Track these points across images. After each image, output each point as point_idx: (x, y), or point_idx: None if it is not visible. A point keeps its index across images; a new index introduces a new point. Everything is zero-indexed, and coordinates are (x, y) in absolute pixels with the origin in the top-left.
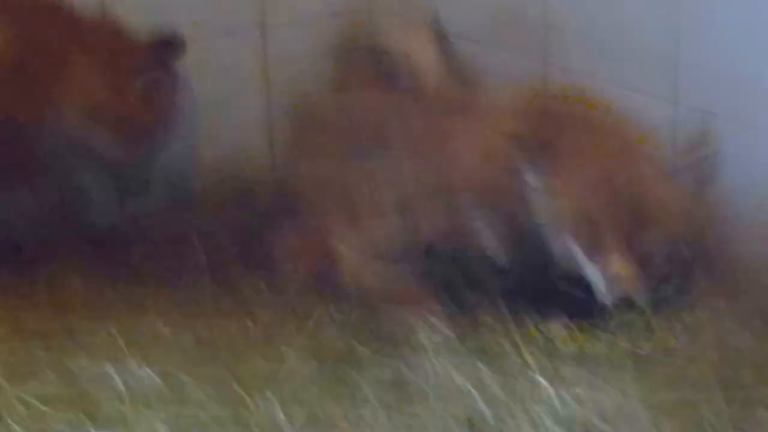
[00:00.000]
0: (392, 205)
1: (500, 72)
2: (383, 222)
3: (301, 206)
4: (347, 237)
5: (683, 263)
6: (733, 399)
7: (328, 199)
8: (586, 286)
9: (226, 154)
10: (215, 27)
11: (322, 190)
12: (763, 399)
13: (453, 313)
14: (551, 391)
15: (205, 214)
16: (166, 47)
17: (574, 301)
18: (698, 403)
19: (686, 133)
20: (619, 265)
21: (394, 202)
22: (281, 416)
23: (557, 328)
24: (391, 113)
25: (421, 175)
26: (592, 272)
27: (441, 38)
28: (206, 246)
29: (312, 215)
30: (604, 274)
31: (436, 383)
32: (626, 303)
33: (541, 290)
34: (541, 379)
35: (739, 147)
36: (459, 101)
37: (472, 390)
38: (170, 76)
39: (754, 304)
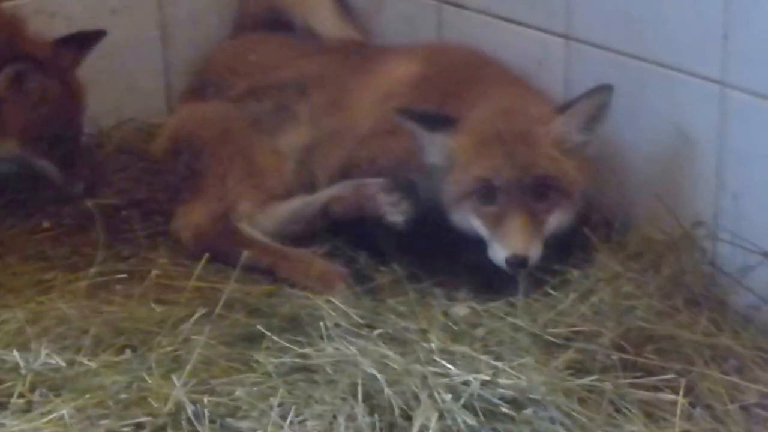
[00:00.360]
0: (290, 151)
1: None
2: (280, 170)
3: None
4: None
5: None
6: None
7: (226, 153)
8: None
9: (125, 98)
10: None
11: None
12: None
13: (360, 296)
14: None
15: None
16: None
17: (477, 272)
18: (602, 385)
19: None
20: (515, 228)
21: (291, 148)
22: (184, 398)
23: (463, 310)
24: (286, 58)
25: (319, 122)
26: (487, 234)
27: None
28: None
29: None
30: (501, 238)
31: (340, 368)
32: (520, 265)
33: (443, 260)
34: (446, 363)
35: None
36: (355, 48)
37: (376, 373)
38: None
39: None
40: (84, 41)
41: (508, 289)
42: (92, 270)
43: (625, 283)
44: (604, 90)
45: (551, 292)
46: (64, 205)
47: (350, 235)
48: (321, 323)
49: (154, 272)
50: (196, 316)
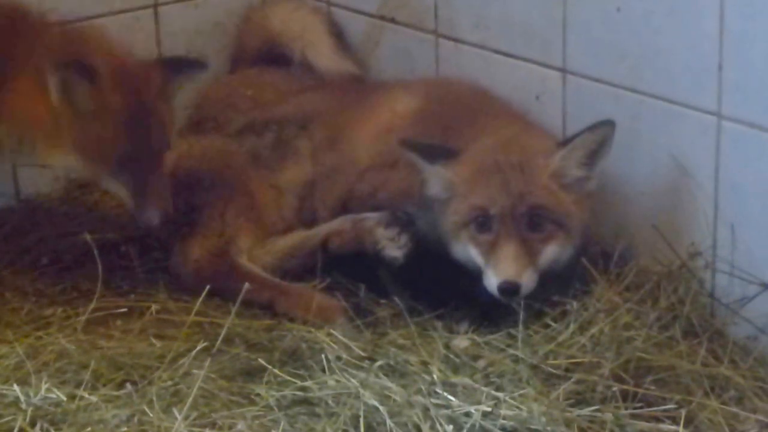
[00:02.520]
0: (290, 187)
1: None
2: (280, 205)
3: (199, 200)
4: (245, 234)
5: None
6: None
7: (225, 188)
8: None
9: None
10: (109, 6)
11: (217, 176)
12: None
13: (360, 330)
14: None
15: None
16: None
17: (477, 305)
18: (603, 416)
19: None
20: (508, 255)
21: (291, 183)
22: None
23: (463, 343)
24: (285, 93)
25: (319, 157)
26: (482, 262)
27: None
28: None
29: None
30: (494, 265)
31: (341, 400)
32: (512, 293)
33: (443, 293)
34: (448, 395)
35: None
36: (354, 84)
37: (378, 405)
38: None
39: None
40: (181, 67)
41: (508, 322)
42: (91, 305)
43: (624, 315)
44: (606, 125)
45: (551, 323)
46: (63, 241)
47: (350, 269)
48: (322, 356)
49: (154, 307)
50: (196, 350)
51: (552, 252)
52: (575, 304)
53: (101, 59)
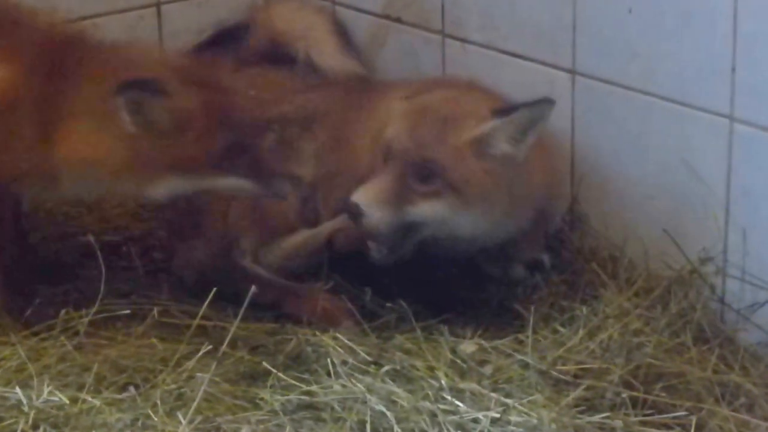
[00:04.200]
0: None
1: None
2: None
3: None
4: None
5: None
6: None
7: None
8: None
9: None
10: (111, 4)
11: None
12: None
13: (366, 333)
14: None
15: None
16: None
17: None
18: (612, 423)
19: None
20: (374, 183)
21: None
22: None
23: (470, 347)
24: (288, 93)
25: (322, 158)
26: None
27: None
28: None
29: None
30: (359, 187)
31: (347, 405)
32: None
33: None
34: (455, 401)
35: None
36: (358, 84)
37: (385, 410)
38: None
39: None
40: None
41: (516, 326)
42: (94, 307)
43: (634, 320)
44: (545, 103)
45: (559, 328)
46: (64, 242)
47: (355, 271)
48: (327, 360)
49: (156, 310)
50: (200, 353)
51: (433, 209)
52: (584, 309)
53: (160, 68)
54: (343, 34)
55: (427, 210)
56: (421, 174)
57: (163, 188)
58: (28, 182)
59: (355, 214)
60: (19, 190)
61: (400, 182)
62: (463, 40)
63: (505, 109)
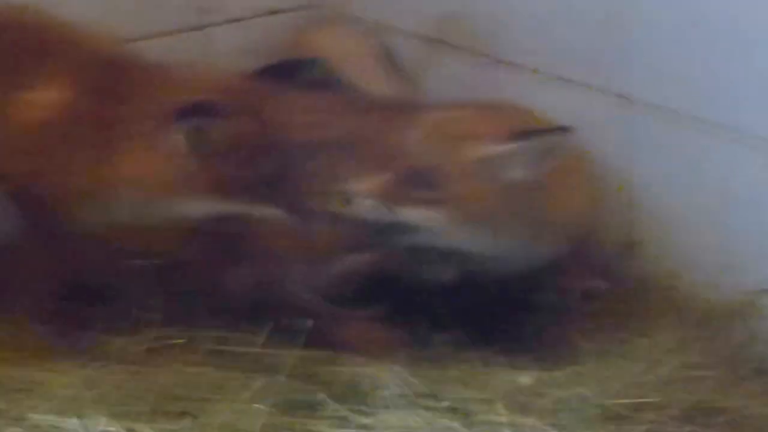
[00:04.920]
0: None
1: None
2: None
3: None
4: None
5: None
6: None
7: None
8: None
9: None
10: (158, 26)
11: None
12: None
13: (420, 364)
14: None
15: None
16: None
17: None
18: None
19: None
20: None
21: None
22: None
23: (528, 379)
24: (332, 117)
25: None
26: None
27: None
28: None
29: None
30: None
31: None
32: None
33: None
34: None
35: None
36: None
37: None
38: None
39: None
40: (287, 69)
41: (574, 357)
42: (150, 335)
43: (694, 352)
44: (560, 131)
45: (618, 360)
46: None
47: (409, 299)
48: (383, 391)
49: (212, 337)
50: (256, 383)
51: (425, 215)
52: (643, 340)
53: (214, 90)
54: (389, 57)
55: (421, 215)
56: (421, 180)
57: (199, 209)
58: (82, 205)
59: (345, 200)
60: (73, 212)
61: (397, 183)
62: (514, 65)
63: (523, 133)
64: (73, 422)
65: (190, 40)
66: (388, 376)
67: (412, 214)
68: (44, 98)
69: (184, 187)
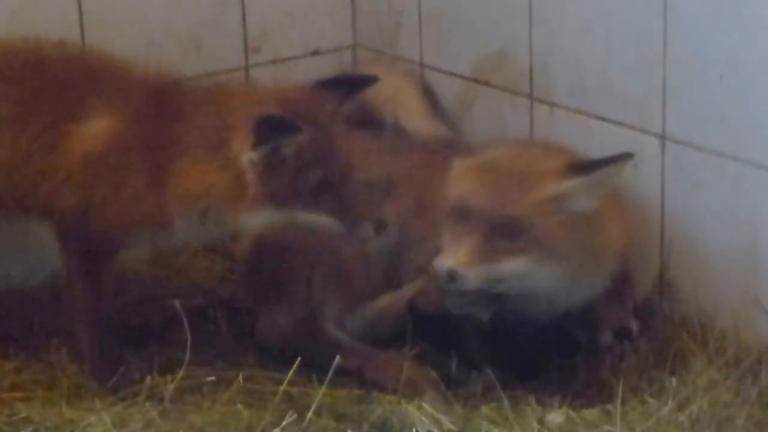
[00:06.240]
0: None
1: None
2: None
3: (284, 265)
4: (333, 301)
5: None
6: None
7: (312, 254)
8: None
9: None
10: (200, 67)
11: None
12: None
13: (451, 402)
14: None
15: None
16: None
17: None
18: None
19: None
20: (462, 243)
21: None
22: None
23: (558, 418)
24: (373, 156)
25: (406, 222)
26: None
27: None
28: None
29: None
30: (446, 249)
31: None
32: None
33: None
34: None
35: None
36: (443, 147)
37: None
38: None
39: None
40: (349, 85)
41: (604, 396)
42: (179, 374)
43: (724, 392)
44: (626, 158)
45: (648, 399)
46: (150, 306)
47: (440, 338)
48: (413, 430)
49: (242, 376)
50: (285, 421)
51: (519, 265)
52: (673, 380)
53: (273, 104)
54: (430, 97)
55: (512, 266)
56: (507, 232)
57: (258, 218)
58: (141, 230)
59: (449, 278)
60: (131, 239)
61: (486, 241)
62: (552, 104)
63: (584, 166)
64: None
65: (235, 79)
66: (418, 415)
67: (504, 268)
68: (93, 129)
69: (246, 198)
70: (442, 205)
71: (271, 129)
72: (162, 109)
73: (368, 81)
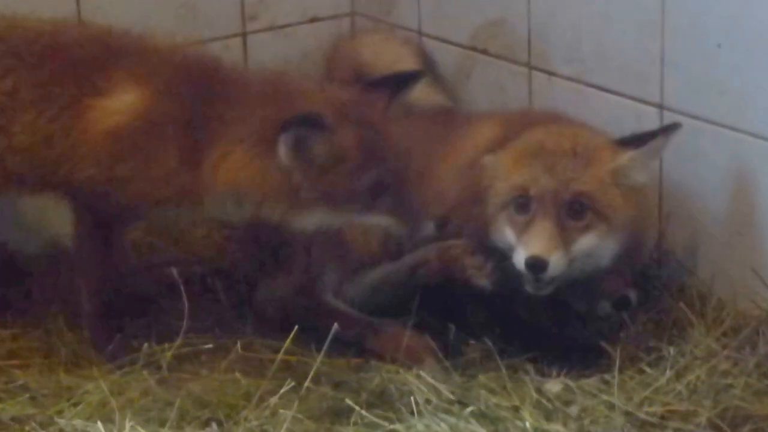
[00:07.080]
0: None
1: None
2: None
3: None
4: (332, 270)
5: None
6: None
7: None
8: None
9: None
10: (197, 33)
11: None
12: None
13: (449, 371)
14: None
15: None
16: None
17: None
18: None
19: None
20: (540, 232)
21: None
22: None
23: (556, 387)
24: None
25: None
26: (514, 241)
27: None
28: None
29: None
30: (525, 242)
31: None
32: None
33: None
34: None
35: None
36: (443, 116)
37: None
38: None
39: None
40: (398, 83)
41: (602, 366)
42: (177, 342)
43: (722, 361)
44: (675, 129)
45: (646, 369)
46: (148, 274)
47: (439, 308)
48: (411, 398)
49: (240, 344)
50: (283, 389)
51: (589, 242)
52: (671, 349)
53: (321, 102)
54: (429, 65)
55: (586, 244)
56: (574, 210)
57: (311, 220)
58: (171, 205)
59: (540, 268)
60: (160, 212)
61: (558, 224)
62: (550, 73)
63: (637, 139)
64: (98, 427)
65: (232, 47)
66: (416, 383)
67: (578, 247)
68: (119, 104)
69: (294, 197)
70: (476, 199)
71: (293, 124)
72: (200, 88)
73: (414, 77)
